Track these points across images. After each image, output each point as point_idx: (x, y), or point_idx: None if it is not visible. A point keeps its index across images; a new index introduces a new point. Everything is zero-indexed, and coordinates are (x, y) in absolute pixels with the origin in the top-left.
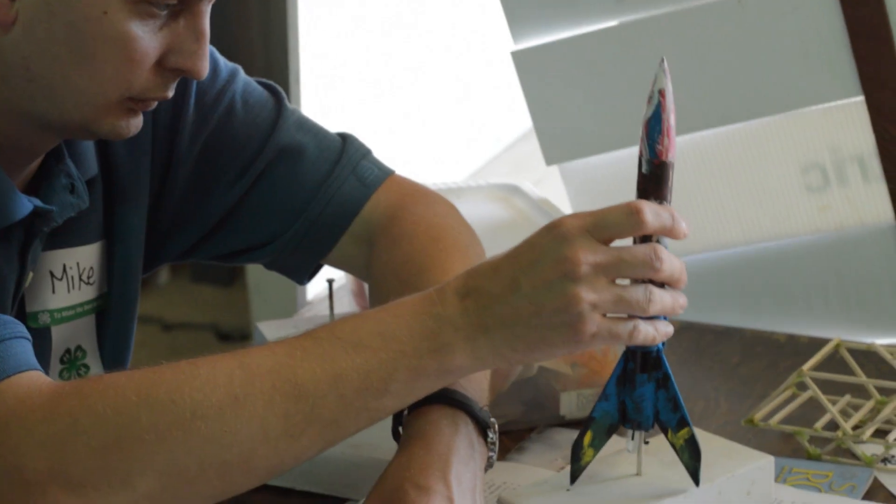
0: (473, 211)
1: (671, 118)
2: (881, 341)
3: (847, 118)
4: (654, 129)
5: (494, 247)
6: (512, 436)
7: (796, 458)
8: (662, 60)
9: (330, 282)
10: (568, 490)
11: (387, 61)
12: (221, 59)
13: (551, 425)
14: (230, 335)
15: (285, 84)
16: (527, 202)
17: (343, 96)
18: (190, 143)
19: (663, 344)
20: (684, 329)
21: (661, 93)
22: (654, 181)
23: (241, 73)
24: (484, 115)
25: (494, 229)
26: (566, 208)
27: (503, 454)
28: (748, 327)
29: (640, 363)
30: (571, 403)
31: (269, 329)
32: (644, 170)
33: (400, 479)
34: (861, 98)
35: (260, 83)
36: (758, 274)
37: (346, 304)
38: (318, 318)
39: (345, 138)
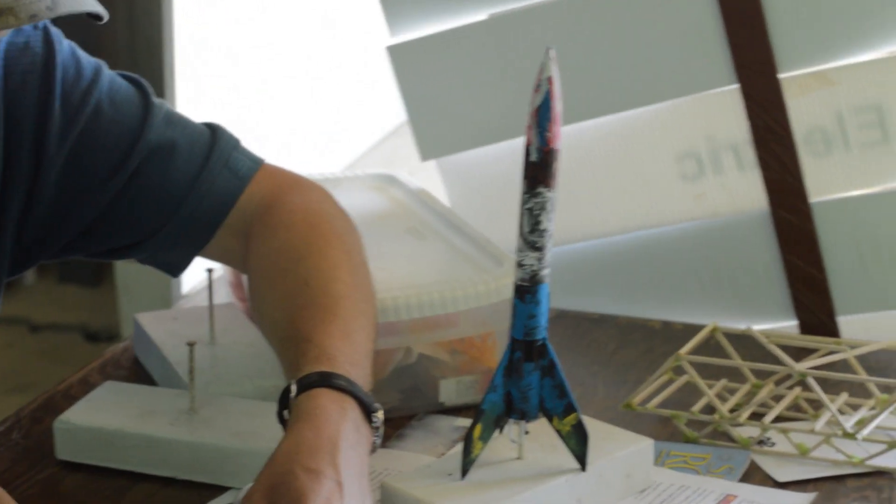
0: (350, 201)
1: (559, 105)
2: (757, 326)
3: (722, 107)
4: (543, 117)
5: (372, 236)
6: (392, 423)
7: (674, 441)
8: (549, 49)
9: (209, 271)
10: (450, 475)
11: (262, 52)
12: (84, 56)
13: (431, 412)
14: (98, 335)
15: (159, 75)
16: (403, 192)
17: (218, 87)
18: (58, 146)
19: (547, 331)
20: (560, 317)
21: (550, 80)
22: (543, 168)
23: (106, 69)
24: (358, 107)
25: (372, 219)
26: (442, 197)
27: (383, 441)
28: (624, 314)
29: (526, 352)
30: (451, 390)
31: (148, 321)
32: (533, 158)
33: (289, 463)
34: (736, 86)
35: (124, 77)
36: (633, 262)
37: (223, 295)
38: (197, 310)
39: (214, 130)
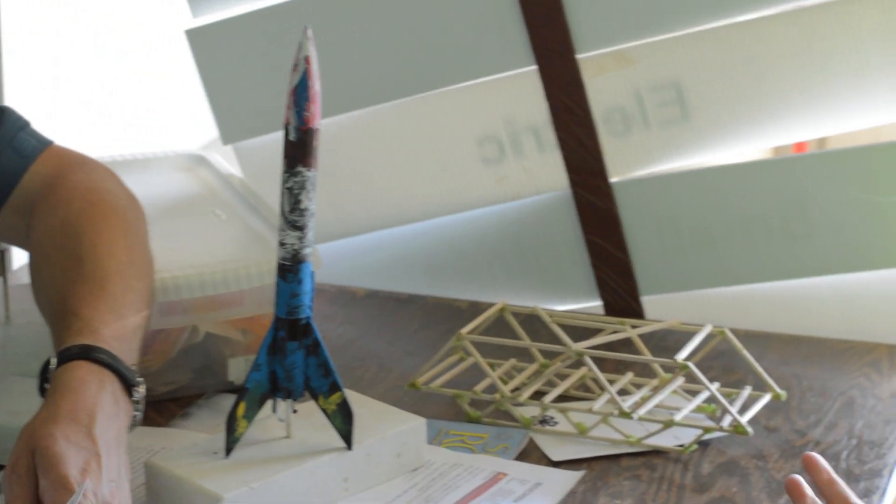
0: (159, 182)
1: (317, 85)
2: (563, 307)
3: (521, 89)
4: (301, 97)
5: (172, 217)
6: (181, 402)
7: (460, 421)
8: (306, 28)
9: (2, 252)
10: (216, 453)
11: (112, 24)
12: None
13: (220, 391)
14: None
15: None
16: (212, 173)
17: (58, 61)
18: None
19: (311, 311)
20: (368, 297)
21: (307, 60)
22: (301, 148)
23: None
24: None
25: (176, 199)
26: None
27: (167, 420)
28: (432, 295)
29: (290, 331)
30: (240, 368)
31: None
32: (292, 137)
33: (45, 434)
34: (533, 68)
35: None
36: (441, 245)
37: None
38: None
39: (2, 111)
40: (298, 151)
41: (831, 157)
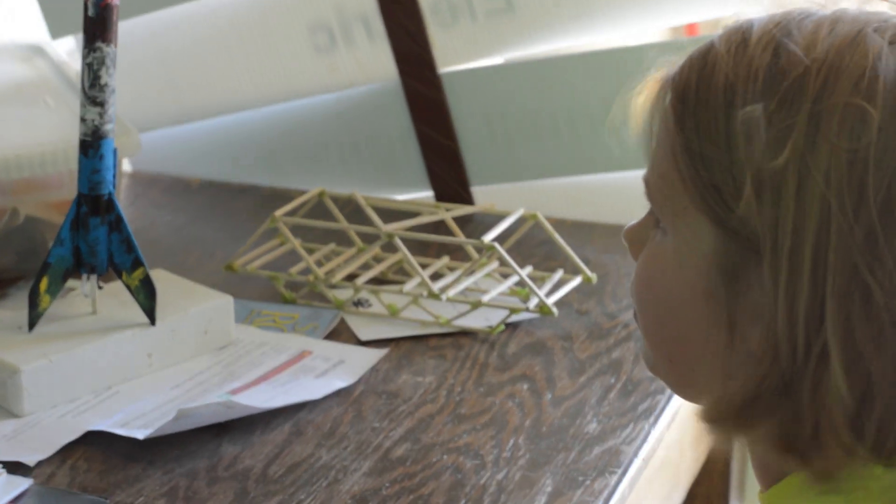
0: None
1: None
2: (397, 197)
3: None
4: None
5: (7, 104)
6: (1, 284)
7: (275, 302)
8: None
9: None
10: (20, 328)
11: None
12: None
13: None
14: None
15: None
16: (48, 64)
17: None
18: None
19: (115, 186)
20: (203, 187)
21: None
22: (100, 23)
23: None
24: None
25: (11, 88)
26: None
27: None
28: (267, 185)
29: (92, 207)
30: None
31: None
32: (91, 13)
33: None
34: None
35: None
36: (276, 134)
37: None
38: None
39: None
40: (97, 27)
41: (648, 50)
